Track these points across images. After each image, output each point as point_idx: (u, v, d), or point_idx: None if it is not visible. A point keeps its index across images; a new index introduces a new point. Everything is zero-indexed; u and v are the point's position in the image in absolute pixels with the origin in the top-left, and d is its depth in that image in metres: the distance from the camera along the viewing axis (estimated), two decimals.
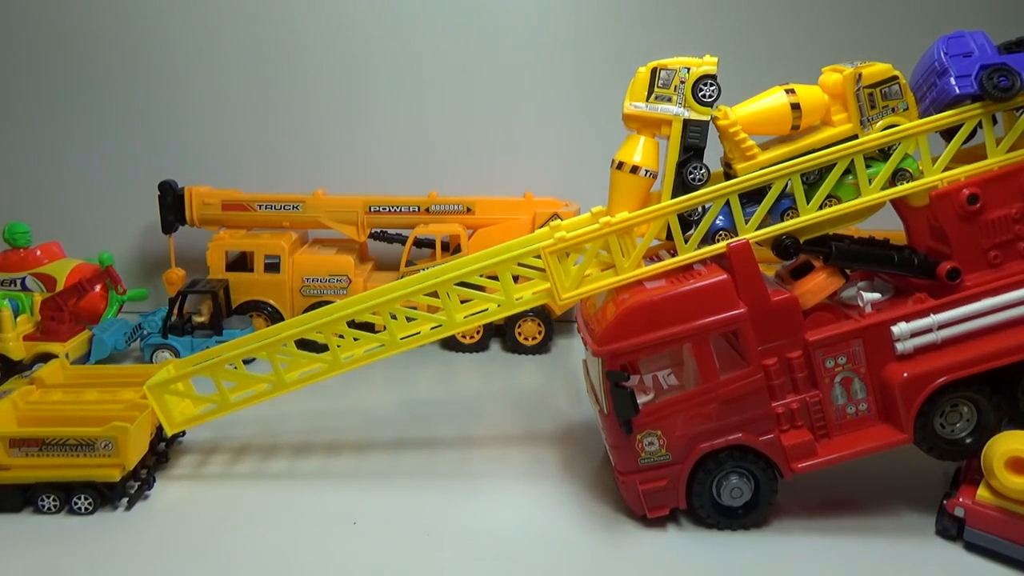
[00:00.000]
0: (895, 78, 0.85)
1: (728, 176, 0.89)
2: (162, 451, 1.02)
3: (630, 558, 0.85)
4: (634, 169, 0.88)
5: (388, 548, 0.86)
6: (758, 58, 1.42)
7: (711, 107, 0.87)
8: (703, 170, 0.87)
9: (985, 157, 0.86)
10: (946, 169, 0.86)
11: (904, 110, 0.86)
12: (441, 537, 0.88)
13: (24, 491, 0.90)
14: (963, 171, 0.86)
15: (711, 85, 0.86)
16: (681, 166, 0.87)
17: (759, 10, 1.55)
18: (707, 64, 0.87)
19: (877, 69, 0.85)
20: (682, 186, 0.87)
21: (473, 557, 0.84)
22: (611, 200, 0.90)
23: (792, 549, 0.85)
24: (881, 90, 0.85)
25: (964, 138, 0.86)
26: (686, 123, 0.87)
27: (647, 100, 0.88)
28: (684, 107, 0.87)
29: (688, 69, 0.86)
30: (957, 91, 0.84)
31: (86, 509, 0.91)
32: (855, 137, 0.86)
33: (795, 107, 0.85)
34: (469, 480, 1.00)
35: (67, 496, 0.91)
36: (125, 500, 0.92)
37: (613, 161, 0.90)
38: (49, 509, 0.91)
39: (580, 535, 0.88)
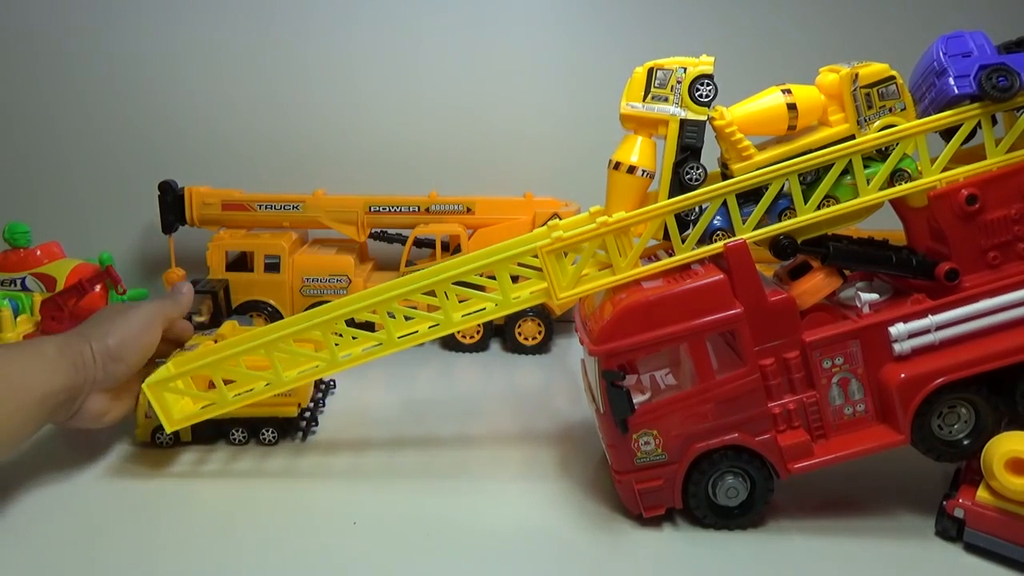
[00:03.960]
0: (892, 78, 0.85)
1: (725, 176, 0.89)
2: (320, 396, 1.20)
3: (626, 557, 0.85)
4: (631, 169, 0.88)
5: (388, 548, 0.86)
6: (755, 58, 1.42)
7: (708, 107, 0.87)
8: (700, 170, 0.87)
9: (984, 157, 0.85)
10: (945, 169, 0.86)
11: (901, 110, 0.86)
12: (440, 537, 0.88)
13: (217, 425, 1.07)
14: (962, 171, 0.85)
15: (708, 85, 0.86)
16: (678, 166, 0.87)
17: (757, 10, 1.54)
18: (704, 64, 0.86)
19: (874, 69, 0.85)
20: (679, 186, 0.87)
21: (472, 556, 0.84)
22: (608, 200, 0.90)
23: (789, 549, 0.85)
24: (878, 90, 0.85)
25: (963, 138, 0.85)
26: (683, 123, 0.87)
27: (644, 100, 0.88)
28: (681, 107, 0.87)
29: (685, 69, 0.86)
30: (956, 91, 0.83)
31: (270, 441, 1.09)
32: (852, 137, 0.86)
33: (791, 107, 0.85)
34: (468, 480, 1.00)
35: (253, 430, 1.09)
36: (300, 433, 1.11)
37: (610, 161, 0.90)
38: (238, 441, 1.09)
39: (577, 534, 0.88)
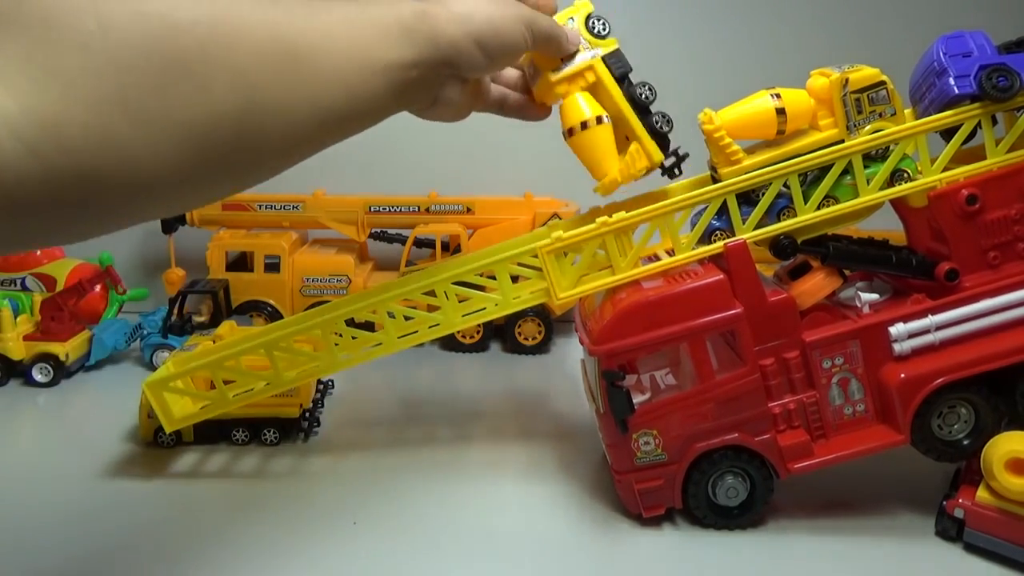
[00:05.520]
0: (882, 83, 0.85)
1: (714, 180, 0.89)
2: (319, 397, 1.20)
3: (626, 557, 0.85)
4: (585, 125, 0.85)
5: (388, 548, 0.86)
6: (745, 61, 1.42)
7: (610, 34, 0.86)
8: (646, 87, 0.86)
9: (984, 157, 0.85)
10: (945, 169, 0.86)
11: (891, 115, 0.86)
12: (440, 537, 0.88)
13: (219, 426, 1.08)
14: (962, 171, 0.85)
15: (599, 19, 0.86)
16: (630, 98, 0.86)
17: (748, 11, 1.54)
18: (581, 6, 0.86)
19: (864, 74, 0.85)
20: (642, 110, 0.86)
21: (472, 556, 0.85)
22: (590, 166, 0.87)
23: (789, 549, 0.85)
24: (868, 95, 0.85)
25: (963, 138, 0.85)
26: (605, 59, 0.85)
27: (561, 63, 0.85)
28: (592, 48, 0.85)
29: (573, 19, 0.85)
30: (956, 91, 0.83)
31: (272, 441, 1.09)
32: (841, 142, 0.85)
33: (780, 112, 0.85)
34: (468, 480, 1.00)
35: (256, 431, 1.09)
36: (302, 434, 1.11)
37: (564, 133, 0.87)
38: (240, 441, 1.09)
39: (577, 534, 0.88)
